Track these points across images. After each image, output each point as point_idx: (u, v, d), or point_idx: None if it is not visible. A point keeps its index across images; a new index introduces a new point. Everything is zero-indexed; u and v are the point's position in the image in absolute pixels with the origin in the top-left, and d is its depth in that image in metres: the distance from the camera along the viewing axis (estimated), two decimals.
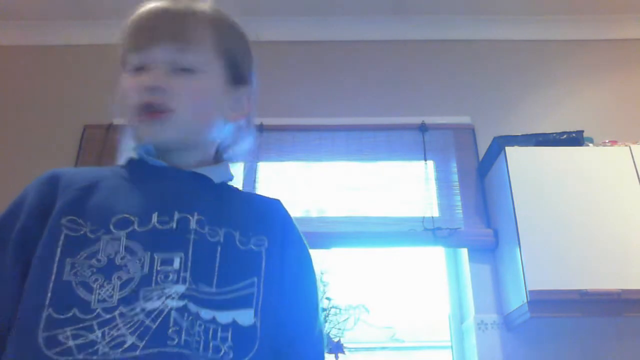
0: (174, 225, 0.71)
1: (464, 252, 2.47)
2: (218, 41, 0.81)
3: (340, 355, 2.22)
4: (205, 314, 0.67)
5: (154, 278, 0.66)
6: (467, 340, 2.35)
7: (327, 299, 2.34)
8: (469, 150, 2.63)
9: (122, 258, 0.67)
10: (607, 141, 2.36)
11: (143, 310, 0.64)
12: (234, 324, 0.69)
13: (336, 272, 2.43)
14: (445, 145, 2.66)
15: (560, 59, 2.88)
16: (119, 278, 0.66)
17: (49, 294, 0.64)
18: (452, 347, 2.42)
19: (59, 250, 0.67)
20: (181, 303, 0.65)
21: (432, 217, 2.47)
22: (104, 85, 2.69)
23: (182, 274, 0.67)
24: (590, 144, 2.34)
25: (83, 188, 0.74)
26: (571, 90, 2.79)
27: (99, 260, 0.67)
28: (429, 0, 2.84)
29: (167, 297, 0.65)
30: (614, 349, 2.22)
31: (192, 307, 0.66)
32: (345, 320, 2.33)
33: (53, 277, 0.65)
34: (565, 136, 2.31)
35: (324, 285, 2.36)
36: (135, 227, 0.70)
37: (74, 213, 0.71)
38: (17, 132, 2.74)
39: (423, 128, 2.67)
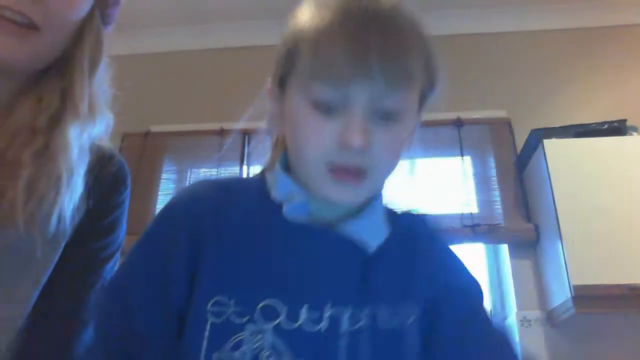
0: (324, 327, 0.60)
1: (504, 248, 2.44)
2: (427, 76, 0.65)
3: None
4: None
5: None
6: None
7: None
8: (506, 145, 2.59)
9: (267, 356, 0.58)
10: None
11: None
12: None
13: None
14: (481, 140, 2.62)
15: (598, 46, 2.79)
16: None
17: None
18: None
19: (205, 342, 0.58)
20: None
21: (471, 213, 2.44)
22: (141, 93, 2.76)
23: None
24: (634, 133, 2.26)
25: (230, 240, 0.63)
26: (611, 78, 2.71)
27: (243, 354, 0.58)
28: None
29: None
30: None
31: None
32: None
33: None
34: (606, 126, 2.25)
35: None
36: (282, 320, 0.59)
37: (221, 291, 0.60)
38: None
39: (458, 123, 2.63)
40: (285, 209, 0.64)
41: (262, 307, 0.59)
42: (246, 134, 2.62)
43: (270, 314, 0.59)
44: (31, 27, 0.56)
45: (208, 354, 0.57)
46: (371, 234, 0.65)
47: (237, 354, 0.57)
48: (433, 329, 0.66)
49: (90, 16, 0.64)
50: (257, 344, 0.58)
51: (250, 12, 2.81)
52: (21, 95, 0.61)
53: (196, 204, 0.65)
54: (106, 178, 0.69)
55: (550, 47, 2.83)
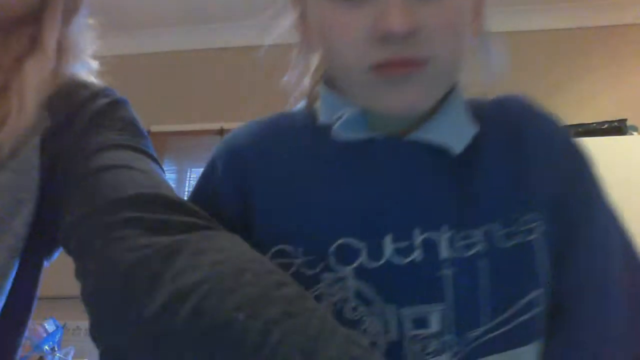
0: (418, 257, 0.47)
1: None
2: None
3: None
4: None
5: (407, 348, 0.46)
6: None
7: None
8: None
9: (353, 309, 0.47)
10: None
11: None
12: None
13: None
14: None
15: (598, 46, 2.79)
16: None
17: None
18: None
19: None
20: None
21: None
22: (140, 92, 2.76)
23: (446, 338, 0.47)
24: (635, 133, 2.26)
25: (282, 182, 0.52)
26: (611, 78, 2.71)
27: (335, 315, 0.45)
28: None
29: None
30: None
31: None
32: None
33: None
34: (606, 125, 2.24)
35: None
36: (364, 260, 0.48)
37: (282, 240, 0.50)
38: None
39: None
40: (337, 127, 0.51)
41: (335, 249, 0.48)
42: None
43: (347, 255, 0.48)
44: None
45: None
46: (454, 136, 0.51)
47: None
48: (563, 235, 0.52)
49: None
50: (338, 296, 0.47)
51: (250, 11, 2.80)
52: None
53: (235, 155, 0.55)
54: (91, 111, 0.59)
55: (549, 46, 2.82)
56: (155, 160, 0.57)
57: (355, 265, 0.47)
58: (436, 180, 0.50)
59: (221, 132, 2.70)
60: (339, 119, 0.51)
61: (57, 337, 2.29)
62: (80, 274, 0.46)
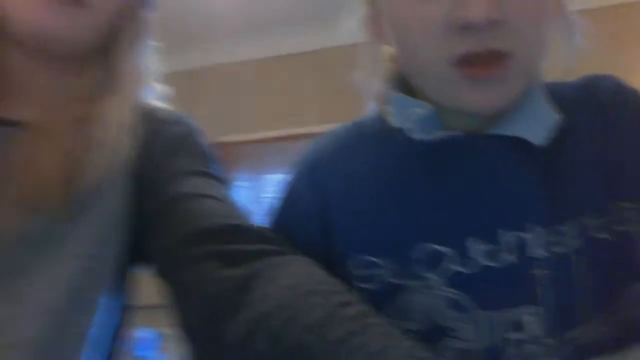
0: (509, 259, 0.45)
1: None
2: None
3: None
4: None
5: (502, 353, 0.44)
6: None
7: None
8: None
9: (444, 315, 0.45)
10: None
11: None
12: None
13: None
14: None
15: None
16: (450, 349, 0.45)
17: None
18: None
19: None
20: None
21: None
22: (210, 104, 2.83)
23: (544, 341, 0.44)
24: None
25: (361, 192, 0.51)
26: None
27: (415, 322, 0.46)
28: None
29: None
30: None
31: None
32: None
33: None
34: None
35: None
36: (451, 264, 0.46)
37: (365, 249, 0.48)
38: None
39: None
40: (412, 128, 0.49)
41: (420, 255, 0.46)
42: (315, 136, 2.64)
43: (432, 260, 0.46)
44: (77, 3, 0.54)
45: None
46: (537, 128, 0.47)
47: (412, 324, 0.46)
48: None
49: None
50: (427, 303, 0.46)
51: (310, 16, 2.82)
52: (67, 70, 0.59)
53: (314, 171, 0.54)
54: (166, 139, 0.62)
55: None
56: (226, 183, 0.60)
57: (443, 270, 0.46)
58: (521, 176, 0.47)
59: (290, 137, 2.73)
60: (413, 120, 0.49)
61: (154, 344, 2.39)
62: (169, 297, 0.51)
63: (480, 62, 0.43)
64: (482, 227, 0.46)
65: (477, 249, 0.45)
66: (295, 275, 0.45)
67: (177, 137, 0.62)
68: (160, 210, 0.55)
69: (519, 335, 0.44)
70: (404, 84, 0.52)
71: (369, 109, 0.58)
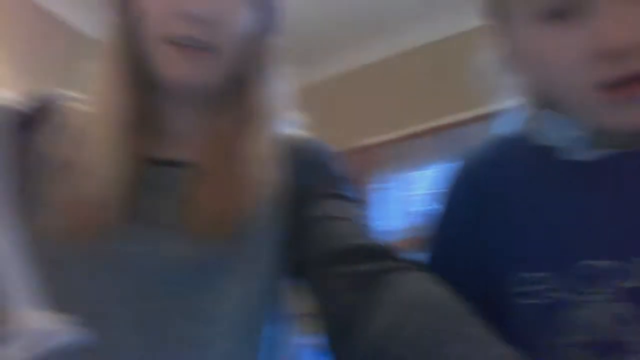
0: None
1: None
2: None
3: None
4: None
5: None
6: None
7: None
8: None
9: (608, 331, 0.46)
10: None
11: None
12: None
13: None
14: None
15: None
16: None
17: None
18: None
19: (534, 328, 0.49)
20: None
21: None
22: (348, 109, 2.87)
23: None
24: None
25: (516, 208, 0.53)
26: None
27: (582, 336, 0.46)
28: None
29: None
30: None
31: None
32: None
33: None
34: None
35: None
36: (617, 281, 0.46)
37: (522, 265, 0.50)
38: None
39: None
40: (566, 147, 0.51)
41: (586, 273, 0.47)
42: (457, 127, 2.56)
43: (593, 277, 0.46)
44: (205, 49, 0.59)
45: (544, 340, 0.48)
46: None
47: (579, 337, 0.46)
48: None
49: (255, 30, 0.65)
50: (595, 319, 0.46)
51: (426, 9, 2.74)
52: (208, 111, 0.66)
53: (470, 186, 0.57)
54: (302, 165, 0.67)
55: None
56: (359, 203, 0.65)
57: (607, 285, 0.46)
58: None
59: (433, 130, 2.69)
60: (569, 140, 0.51)
61: (317, 352, 2.47)
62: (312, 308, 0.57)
63: (622, 84, 0.43)
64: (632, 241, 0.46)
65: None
66: (416, 295, 0.47)
67: (313, 163, 0.68)
68: (298, 231, 0.61)
69: None
70: (550, 104, 0.54)
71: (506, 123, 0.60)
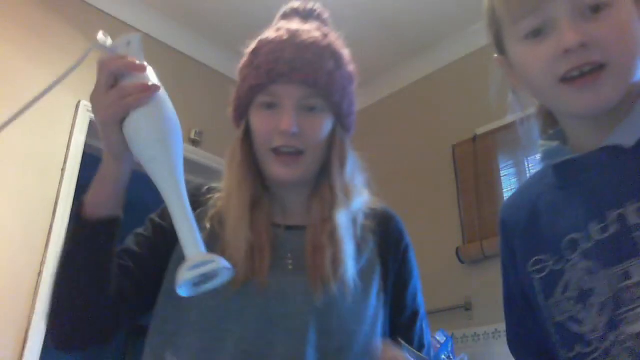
0: (613, 230, 0.63)
1: None
2: None
3: None
4: None
5: (622, 297, 0.61)
6: None
7: None
8: None
9: (586, 282, 0.65)
10: None
11: (630, 335, 0.60)
12: None
13: None
14: None
15: None
16: (591, 305, 0.64)
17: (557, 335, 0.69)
18: None
19: (541, 296, 0.70)
20: None
21: None
22: (462, 101, 2.82)
23: None
24: None
25: (527, 221, 0.75)
26: None
27: (572, 291, 0.66)
28: None
29: None
30: None
31: None
32: None
33: (551, 321, 0.69)
34: None
35: None
36: (582, 244, 0.66)
37: (536, 251, 0.72)
38: (394, 157, 3.05)
39: None
40: (547, 159, 0.73)
41: (564, 245, 0.68)
42: None
43: (571, 245, 0.67)
44: (298, 153, 0.83)
45: (546, 303, 0.69)
46: (630, 134, 0.64)
47: (568, 293, 0.66)
48: None
49: (334, 132, 0.89)
50: (576, 276, 0.66)
51: None
52: (306, 194, 0.90)
53: (503, 222, 0.81)
54: (386, 234, 0.94)
55: None
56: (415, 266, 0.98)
57: (578, 251, 0.66)
58: (620, 170, 0.64)
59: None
60: (548, 153, 0.72)
61: (449, 346, 2.44)
62: None
63: (580, 76, 0.61)
64: (596, 212, 0.65)
65: (596, 229, 0.65)
66: None
67: (394, 232, 0.96)
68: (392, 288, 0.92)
69: (628, 283, 0.61)
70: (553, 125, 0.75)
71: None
